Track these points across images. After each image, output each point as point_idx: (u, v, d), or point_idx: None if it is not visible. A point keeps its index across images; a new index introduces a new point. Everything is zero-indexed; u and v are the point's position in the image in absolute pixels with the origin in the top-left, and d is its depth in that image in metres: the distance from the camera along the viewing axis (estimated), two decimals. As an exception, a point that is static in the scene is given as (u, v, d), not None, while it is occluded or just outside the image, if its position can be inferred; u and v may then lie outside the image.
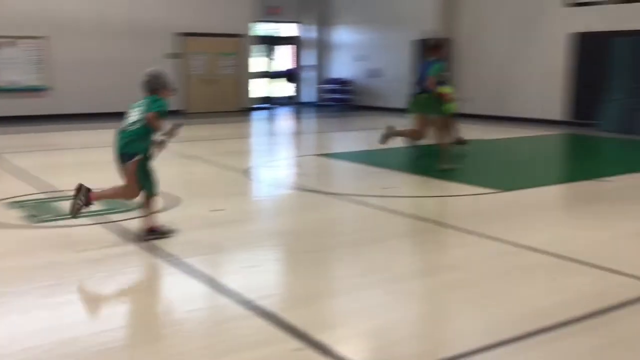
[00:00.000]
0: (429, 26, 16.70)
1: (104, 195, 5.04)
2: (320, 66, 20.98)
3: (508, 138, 12.17)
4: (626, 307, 3.65)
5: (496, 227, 5.42)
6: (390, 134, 9.03)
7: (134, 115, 4.87)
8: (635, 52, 12.30)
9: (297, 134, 14.36)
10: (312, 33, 20.86)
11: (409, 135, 9.07)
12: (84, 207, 4.87)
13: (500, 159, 10.03)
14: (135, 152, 4.82)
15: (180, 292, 4.00)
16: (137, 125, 4.81)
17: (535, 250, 4.74)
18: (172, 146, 5.48)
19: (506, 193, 6.91)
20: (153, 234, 4.95)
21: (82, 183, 4.91)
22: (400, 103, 18.01)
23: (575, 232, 5.44)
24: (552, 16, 14.23)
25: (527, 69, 14.90)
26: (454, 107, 8.96)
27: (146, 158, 4.90)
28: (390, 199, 6.57)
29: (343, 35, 20.24)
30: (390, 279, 4.17)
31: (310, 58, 21.05)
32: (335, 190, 7.15)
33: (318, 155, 10.25)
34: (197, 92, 17.11)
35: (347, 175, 8.79)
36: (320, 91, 20.69)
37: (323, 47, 20.90)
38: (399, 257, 4.67)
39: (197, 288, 4.01)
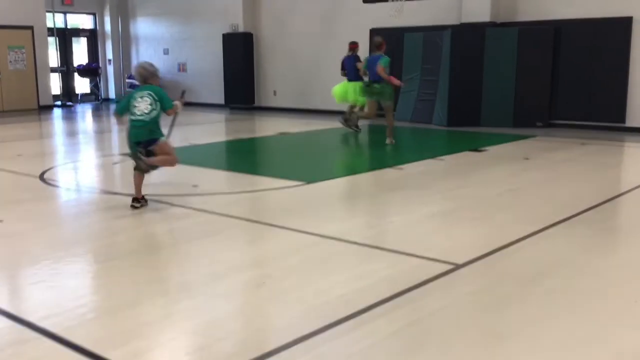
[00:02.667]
0: (236, 20, 16.68)
1: (157, 161, 5.92)
2: (124, 60, 20.05)
3: (313, 130, 12.51)
4: (420, 288, 3.85)
5: (301, 219, 5.50)
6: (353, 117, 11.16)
7: (146, 103, 5.68)
8: (425, 46, 13.28)
9: (101, 132, 13.54)
10: (111, 25, 19.84)
11: (367, 117, 10.72)
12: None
13: (305, 151, 10.27)
14: (158, 137, 5.80)
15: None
16: (154, 114, 5.70)
17: (337, 239, 4.86)
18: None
19: (310, 185, 7.06)
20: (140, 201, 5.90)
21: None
22: (211, 98, 17.84)
23: (372, 219, 5.70)
24: (353, 11, 14.84)
25: (332, 62, 15.41)
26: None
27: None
28: (198, 197, 6.40)
29: (146, 27, 19.52)
30: (195, 281, 4.02)
31: (111, 51, 20.03)
32: (143, 191, 6.80)
33: (123, 154, 9.73)
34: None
35: (154, 174, 8.41)
36: (125, 86, 19.78)
37: (125, 40, 19.98)
38: (204, 257, 4.53)
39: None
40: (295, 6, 15.93)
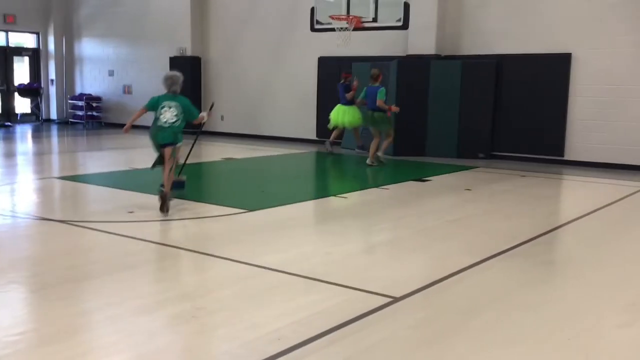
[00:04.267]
0: (183, 43, 16.53)
1: (170, 181, 6.70)
2: (67, 81, 19.58)
3: (259, 157, 12.41)
4: (356, 322, 3.76)
5: (239, 249, 5.36)
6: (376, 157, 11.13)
7: (172, 114, 6.56)
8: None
9: (39, 154, 13.10)
10: (55, 45, 19.37)
11: (376, 146, 11.10)
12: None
13: (249, 178, 10.14)
14: (178, 141, 6.71)
15: None
16: (179, 123, 6.60)
17: (276, 270, 4.74)
18: None
19: (252, 213, 6.93)
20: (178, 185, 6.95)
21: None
22: (156, 121, 17.55)
23: (313, 249, 5.59)
24: (302, 39, 14.88)
25: (281, 88, 15.42)
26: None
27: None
28: (133, 224, 6.19)
29: (91, 48, 19.14)
30: (122, 314, 3.83)
31: (54, 72, 19.53)
32: (76, 217, 6.56)
33: (61, 177, 9.42)
34: None
35: (91, 199, 8.18)
36: (67, 108, 19.28)
37: (68, 61, 19.53)
38: (133, 289, 4.33)
39: None
40: (244, 32, 15.90)
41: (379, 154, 11.08)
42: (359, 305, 4.05)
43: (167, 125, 6.57)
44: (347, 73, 12.84)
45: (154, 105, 6.67)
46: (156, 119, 6.65)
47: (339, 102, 12.64)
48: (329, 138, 12.86)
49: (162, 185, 6.76)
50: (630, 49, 11.16)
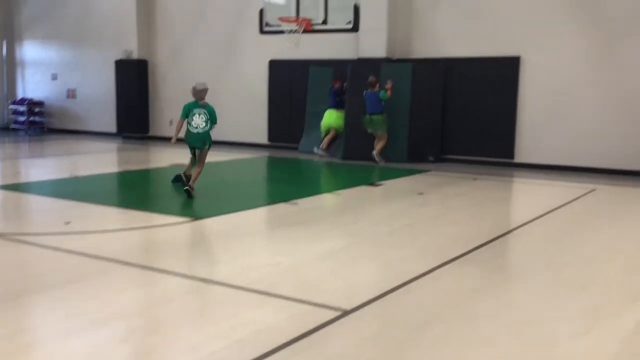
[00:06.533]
0: (130, 46, 16.06)
1: (195, 178, 7.93)
2: (8, 85, 18.81)
3: (208, 162, 11.98)
4: (303, 340, 3.54)
5: (181, 261, 5.09)
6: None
7: (201, 120, 7.78)
8: (328, 79, 13.22)
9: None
10: (-5, 47, 18.61)
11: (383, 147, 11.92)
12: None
13: (197, 185, 9.80)
14: (207, 144, 7.92)
15: None
16: (207, 128, 7.80)
17: (219, 284, 4.49)
18: None
19: (198, 222, 6.64)
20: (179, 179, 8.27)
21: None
22: (103, 126, 16.98)
23: (260, 260, 5.34)
24: (252, 43, 14.61)
25: (231, 93, 15.09)
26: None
27: None
28: (69, 236, 5.83)
29: (33, 51, 18.44)
30: (46, 338, 3.52)
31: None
32: (10, 229, 6.17)
33: (5, 187, 8.94)
34: None
35: (29, 210, 7.75)
36: (8, 113, 18.52)
37: (9, 64, 18.78)
38: (61, 309, 4.00)
39: None
40: (193, 34, 15.53)
41: (375, 153, 11.71)
42: (307, 320, 3.84)
43: (196, 131, 7.73)
44: (335, 80, 13.03)
45: (187, 112, 7.81)
46: (188, 124, 7.78)
47: (326, 107, 12.93)
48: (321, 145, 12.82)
49: (183, 174, 8.24)
50: (577, 52, 11.29)
